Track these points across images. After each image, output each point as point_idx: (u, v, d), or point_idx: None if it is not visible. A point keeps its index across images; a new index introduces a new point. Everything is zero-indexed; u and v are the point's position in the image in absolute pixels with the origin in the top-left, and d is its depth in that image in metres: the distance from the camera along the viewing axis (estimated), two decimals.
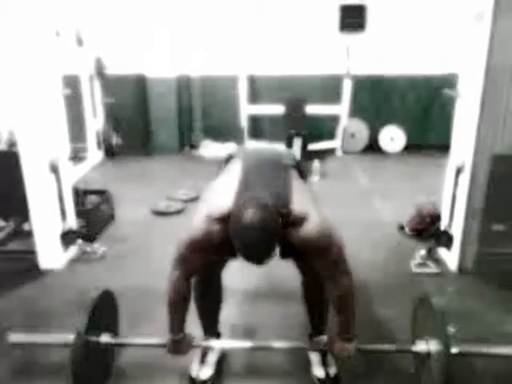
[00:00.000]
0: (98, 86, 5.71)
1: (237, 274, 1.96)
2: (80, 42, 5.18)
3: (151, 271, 2.89)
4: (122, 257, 3.19)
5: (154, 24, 5.54)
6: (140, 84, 5.83)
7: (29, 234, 3.05)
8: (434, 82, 5.72)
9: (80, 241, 3.17)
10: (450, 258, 2.99)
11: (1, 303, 2.63)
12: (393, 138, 6.11)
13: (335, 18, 5.58)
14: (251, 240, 1.45)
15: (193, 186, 4.35)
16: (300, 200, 1.63)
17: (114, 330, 2.05)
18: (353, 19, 5.65)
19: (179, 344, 1.85)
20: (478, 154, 2.75)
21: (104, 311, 1.97)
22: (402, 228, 3.55)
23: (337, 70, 5.74)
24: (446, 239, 3.02)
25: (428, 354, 1.85)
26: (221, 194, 1.65)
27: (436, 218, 3.26)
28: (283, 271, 2.23)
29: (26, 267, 2.97)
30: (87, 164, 5.36)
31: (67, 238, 3.05)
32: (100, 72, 5.67)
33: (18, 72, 2.68)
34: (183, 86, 5.95)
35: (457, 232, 2.93)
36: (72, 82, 4.45)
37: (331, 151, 5.92)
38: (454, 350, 1.76)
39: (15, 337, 1.98)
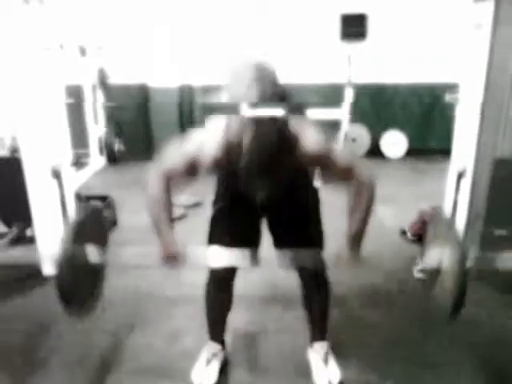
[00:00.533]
0: (101, 95, 5.75)
1: (240, 280, 1.97)
2: (83, 53, 5.23)
3: (152, 277, 2.89)
4: (123, 262, 3.18)
5: (156, 34, 5.58)
6: (142, 93, 5.87)
7: (31, 240, 3.05)
8: (435, 90, 5.74)
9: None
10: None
11: (2, 309, 2.63)
12: (394, 142, 6.12)
13: (336, 26, 5.62)
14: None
15: (194, 192, 4.35)
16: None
17: (103, 248, 1.94)
18: (354, 28, 5.68)
19: (171, 257, 1.73)
20: (479, 159, 2.76)
21: (91, 228, 1.87)
22: (404, 233, 3.55)
23: (338, 78, 5.76)
24: None
25: (439, 268, 1.74)
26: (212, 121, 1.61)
27: None
28: (287, 277, 2.23)
29: (29, 273, 2.97)
30: (89, 170, 5.38)
31: None
32: (103, 81, 5.71)
33: (22, 81, 2.70)
34: (185, 94, 5.99)
35: None
36: (75, 91, 4.49)
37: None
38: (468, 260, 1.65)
39: None
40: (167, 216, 1.70)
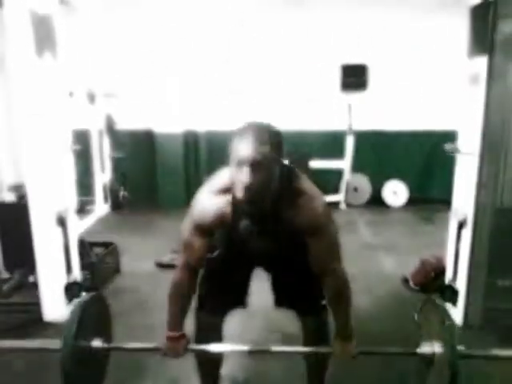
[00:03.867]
0: (108, 141, 5.88)
1: (238, 327, 1.95)
2: (92, 100, 5.39)
3: (155, 325, 2.87)
4: (125, 310, 3.17)
5: (162, 82, 5.76)
6: (148, 139, 5.99)
7: (33, 286, 3.05)
8: (435, 138, 5.84)
9: (84, 293, 3.17)
10: (456, 312, 2.96)
11: (4, 356, 2.60)
12: (395, 192, 6.18)
13: (337, 77, 5.83)
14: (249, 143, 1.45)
15: None
16: (304, 179, 1.67)
17: (107, 335, 1.96)
18: (354, 78, 5.87)
19: (176, 342, 1.79)
20: (479, 209, 2.78)
21: (95, 315, 1.88)
22: (406, 281, 3.54)
23: (339, 125, 5.89)
24: (450, 294, 3.00)
25: (433, 356, 1.77)
26: (218, 176, 1.69)
27: (440, 272, 3.25)
28: (286, 324, 2.22)
29: (30, 319, 2.95)
30: (93, 216, 5.42)
31: (71, 290, 3.05)
32: (110, 127, 5.85)
33: (31, 128, 2.78)
34: (190, 140, 6.11)
35: (461, 287, 2.91)
36: (82, 137, 4.59)
37: (335, 204, 5.97)
38: (460, 352, 1.69)
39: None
40: (182, 312, 1.81)
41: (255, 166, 1.43)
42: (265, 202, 1.53)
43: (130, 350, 2.00)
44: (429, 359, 1.81)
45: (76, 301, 1.84)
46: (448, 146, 3.15)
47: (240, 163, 1.44)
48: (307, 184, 1.66)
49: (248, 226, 1.61)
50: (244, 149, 1.44)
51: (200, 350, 1.93)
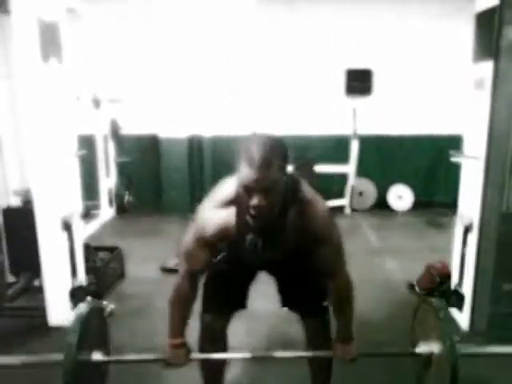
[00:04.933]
0: (113, 145, 5.90)
1: (243, 335, 1.95)
2: (97, 105, 5.41)
3: (159, 330, 2.86)
4: (130, 315, 3.18)
5: (166, 87, 5.77)
6: (153, 143, 6.01)
7: (38, 291, 3.06)
8: (440, 142, 5.83)
9: (89, 298, 3.17)
10: (462, 317, 2.94)
11: (7, 359, 2.60)
12: (400, 196, 6.16)
13: (342, 81, 5.83)
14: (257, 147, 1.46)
15: None
16: (307, 187, 1.69)
17: (105, 347, 1.98)
18: (359, 83, 5.87)
19: (177, 351, 1.80)
20: (485, 213, 2.77)
21: (94, 328, 1.90)
22: (411, 286, 3.52)
23: (344, 130, 5.89)
24: (456, 299, 2.98)
25: (431, 356, 1.79)
26: (222, 188, 1.69)
27: (446, 277, 3.24)
28: (292, 330, 2.21)
29: (35, 324, 2.97)
30: (98, 221, 5.43)
31: (76, 294, 3.05)
32: (115, 132, 5.87)
33: (37, 133, 2.80)
34: (195, 145, 6.12)
35: (467, 292, 2.90)
36: (87, 142, 4.62)
37: (340, 209, 5.97)
38: (460, 351, 1.69)
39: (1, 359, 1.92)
40: (184, 319, 1.81)
41: (265, 191, 1.45)
42: (272, 216, 1.54)
43: (131, 361, 2.01)
44: (427, 359, 1.81)
45: (76, 313, 1.84)
46: (453, 155, 3.14)
47: (249, 188, 1.45)
48: (310, 193, 1.68)
49: (253, 239, 1.62)
50: (252, 175, 1.43)
51: (202, 358, 1.93)
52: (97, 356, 1.86)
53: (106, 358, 1.90)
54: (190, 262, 1.74)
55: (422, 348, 1.84)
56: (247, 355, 2.01)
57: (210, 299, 1.94)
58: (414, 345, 1.91)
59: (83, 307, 1.87)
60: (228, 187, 1.63)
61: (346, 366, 1.89)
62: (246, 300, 2.00)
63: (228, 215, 1.62)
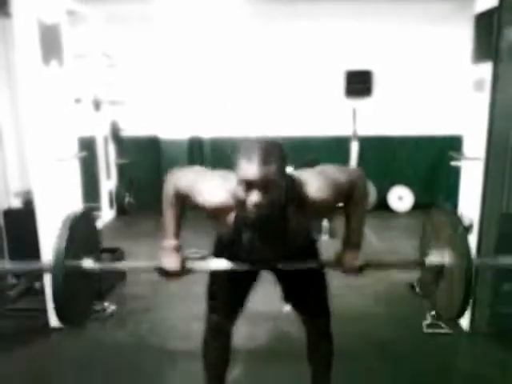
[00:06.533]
0: (113, 147, 5.92)
1: (245, 333, 1.95)
2: (97, 107, 5.42)
3: (159, 331, 2.88)
4: (131, 316, 3.18)
5: (166, 89, 5.79)
6: (153, 145, 6.02)
7: (40, 292, 3.07)
8: (440, 143, 5.84)
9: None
10: (462, 318, 2.95)
11: (8, 362, 2.62)
12: (401, 197, 6.17)
13: (341, 83, 5.84)
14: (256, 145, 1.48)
15: (203, 245, 4.37)
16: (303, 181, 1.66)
17: (95, 254, 1.90)
18: (358, 85, 5.88)
19: (172, 255, 1.79)
20: (485, 214, 2.78)
21: (84, 234, 1.84)
22: (412, 287, 3.53)
23: (344, 131, 5.89)
24: None
25: (443, 266, 1.72)
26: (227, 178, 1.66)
27: None
28: (294, 330, 2.22)
29: (36, 325, 2.97)
30: (99, 222, 5.44)
31: None
32: (115, 134, 5.88)
33: (38, 135, 2.81)
34: (195, 146, 6.13)
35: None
36: (88, 144, 4.62)
37: (339, 210, 5.95)
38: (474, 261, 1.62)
39: None
40: (177, 219, 1.83)
41: (264, 187, 1.45)
42: (272, 214, 1.53)
43: (123, 269, 1.90)
44: (438, 269, 1.74)
45: (64, 219, 1.76)
46: (452, 157, 3.15)
47: (249, 185, 1.45)
48: (306, 181, 1.64)
49: (252, 237, 1.62)
50: (251, 170, 1.44)
51: (199, 267, 1.88)
52: (87, 263, 1.79)
53: (96, 265, 1.82)
54: (178, 183, 1.78)
55: (434, 258, 1.75)
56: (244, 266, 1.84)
57: (214, 299, 1.95)
58: (424, 256, 1.82)
59: (72, 213, 1.79)
60: (230, 181, 1.58)
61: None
62: (248, 297, 1.99)
63: (227, 201, 1.59)
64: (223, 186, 1.61)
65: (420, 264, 1.81)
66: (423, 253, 1.86)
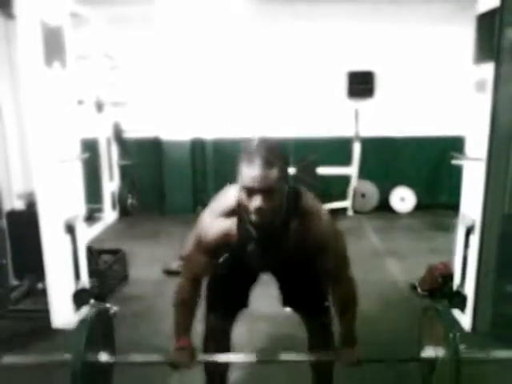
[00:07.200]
0: (116, 149, 5.93)
1: (246, 335, 1.95)
2: (100, 108, 5.43)
3: (162, 332, 2.88)
4: (133, 317, 3.19)
5: (169, 90, 5.80)
6: (156, 146, 6.03)
7: (42, 293, 3.07)
8: (442, 144, 5.84)
9: (92, 302, 3.18)
10: (464, 319, 2.95)
11: (10, 362, 2.62)
12: (403, 198, 6.17)
13: (343, 84, 5.85)
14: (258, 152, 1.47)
15: None
16: (308, 196, 1.69)
17: (111, 349, 1.98)
18: (360, 85, 5.89)
19: (183, 353, 1.80)
20: (487, 214, 2.77)
21: (100, 330, 1.91)
22: (414, 288, 3.53)
23: (346, 132, 5.90)
24: (458, 300, 2.99)
25: (435, 361, 1.81)
26: (223, 197, 1.70)
27: (448, 278, 3.24)
28: (294, 330, 2.22)
29: (39, 327, 2.97)
30: (102, 224, 5.45)
31: (79, 297, 3.07)
32: (118, 136, 5.89)
33: (40, 137, 2.82)
34: (197, 148, 6.14)
35: (469, 293, 2.90)
36: (90, 145, 4.64)
37: (342, 211, 5.97)
38: (463, 355, 1.71)
39: (9, 358, 1.91)
40: (189, 320, 1.82)
41: (266, 192, 1.45)
42: (275, 223, 1.55)
43: (137, 363, 2.01)
44: (431, 364, 1.83)
45: (83, 313, 1.86)
46: (454, 157, 3.15)
47: (251, 190, 1.45)
48: (312, 202, 1.69)
49: (255, 248, 1.65)
50: (254, 175, 1.44)
51: (209, 361, 1.93)
52: (103, 357, 1.88)
53: (112, 360, 1.91)
54: (191, 267, 1.78)
55: (427, 352, 1.86)
56: (251, 358, 2.00)
57: (213, 300, 1.96)
58: (421, 349, 1.93)
59: (90, 309, 1.91)
60: (229, 196, 1.65)
61: (350, 370, 1.90)
62: (248, 299, 2.02)
63: (229, 224, 1.63)
64: (217, 216, 1.65)
65: (416, 359, 1.93)
66: (421, 345, 1.98)
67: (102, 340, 1.93)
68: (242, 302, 2.00)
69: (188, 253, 1.76)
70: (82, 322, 1.81)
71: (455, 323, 1.84)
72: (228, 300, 1.94)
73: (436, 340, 1.86)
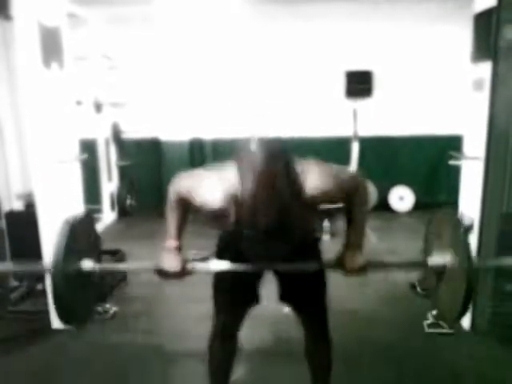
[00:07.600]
0: (114, 149, 5.93)
1: (247, 332, 1.95)
2: (98, 109, 5.44)
3: (162, 332, 2.89)
4: (132, 317, 3.19)
5: (167, 90, 5.80)
6: (154, 147, 6.03)
7: (41, 294, 3.08)
8: (441, 143, 5.83)
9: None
10: (463, 318, 2.95)
11: (10, 364, 2.63)
12: (402, 197, 6.17)
13: (342, 83, 5.85)
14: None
15: (204, 247, 4.38)
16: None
17: (95, 256, 1.93)
18: (359, 85, 5.89)
19: (173, 256, 1.77)
20: (485, 213, 2.78)
21: (83, 237, 1.86)
22: (413, 287, 3.53)
23: (344, 132, 5.89)
24: None
25: (445, 267, 1.73)
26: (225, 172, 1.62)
27: None
28: (294, 331, 2.22)
29: (38, 327, 2.98)
30: (101, 224, 5.45)
31: None
32: (116, 136, 5.89)
33: (39, 137, 2.82)
34: (196, 148, 6.14)
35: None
36: (89, 146, 4.64)
37: (341, 210, 5.95)
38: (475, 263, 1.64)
39: None
40: (180, 222, 1.80)
41: (270, 182, 1.41)
42: (277, 211, 1.46)
43: (123, 270, 1.91)
44: (440, 270, 1.75)
45: (64, 221, 1.78)
46: (452, 157, 3.15)
47: (254, 181, 1.41)
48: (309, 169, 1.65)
49: (253, 232, 1.57)
50: (255, 165, 1.41)
51: (200, 269, 1.85)
52: (87, 264, 1.81)
53: (96, 266, 1.83)
54: (181, 194, 1.74)
55: (436, 259, 1.77)
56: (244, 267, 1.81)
57: (220, 299, 1.93)
58: (427, 257, 1.84)
59: (72, 216, 1.81)
60: (227, 179, 1.53)
61: (349, 369, 1.86)
62: (257, 295, 1.95)
63: (226, 200, 1.52)
64: (220, 185, 1.56)
65: (422, 264, 1.82)
66: (426, 253, 1.88)
67: (86, 247, 1.87)
68: (250, 298, 1.93)
69: (182, 188, 1.74)
70: (64, 226, 1.75)
71: (464, 227, 1.75)
72: (235, 297, 1.90)
73: (445, 245, 1.77)
